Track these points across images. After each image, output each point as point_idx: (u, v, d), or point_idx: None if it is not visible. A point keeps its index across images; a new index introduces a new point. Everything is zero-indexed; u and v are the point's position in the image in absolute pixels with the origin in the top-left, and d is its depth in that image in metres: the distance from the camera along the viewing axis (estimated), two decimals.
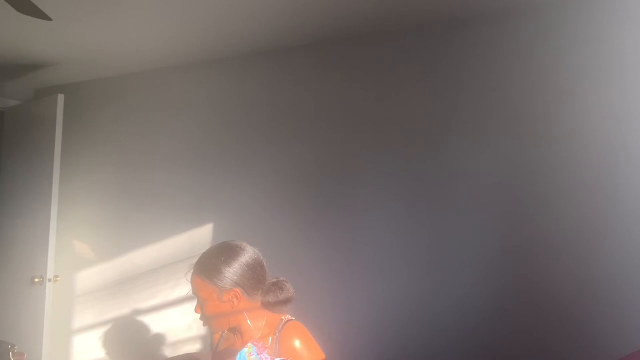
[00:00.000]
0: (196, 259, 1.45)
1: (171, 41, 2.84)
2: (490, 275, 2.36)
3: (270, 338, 1.40)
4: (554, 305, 2.23)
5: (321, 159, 2.81)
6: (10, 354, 1.68)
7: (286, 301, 1.45)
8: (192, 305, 3.24)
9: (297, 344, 1.37)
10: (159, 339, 3.10)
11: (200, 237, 3.05)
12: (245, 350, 1.35)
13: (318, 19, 2.53)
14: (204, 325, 1.45)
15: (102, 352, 3.23)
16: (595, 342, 2.11)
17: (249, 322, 1.42)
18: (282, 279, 1.48)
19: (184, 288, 3.10)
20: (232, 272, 1.39)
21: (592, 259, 2.18)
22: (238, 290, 1.39)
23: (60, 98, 3.18)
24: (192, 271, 1.43)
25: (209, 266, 1.40)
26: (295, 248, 2.79)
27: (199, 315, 1.44)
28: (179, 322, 3.02)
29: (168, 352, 3.05)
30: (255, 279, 1.42)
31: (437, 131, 2.55)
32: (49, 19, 1.90)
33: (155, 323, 3.12)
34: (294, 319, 1.47)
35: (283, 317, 1.45)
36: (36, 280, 3.06)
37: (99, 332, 3.29)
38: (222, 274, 1.38)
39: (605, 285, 2.14)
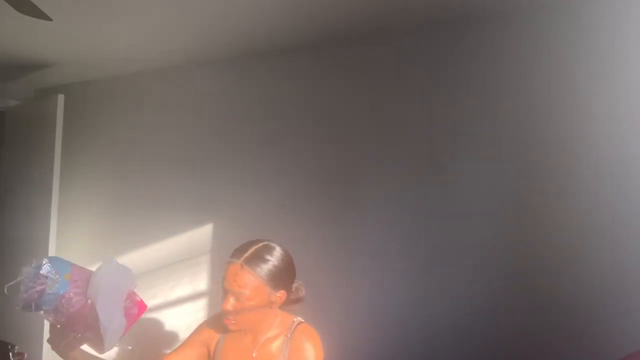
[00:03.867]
0: (239, 249, 1.40)
1: (171, 41, 2.84)
2: (492, 275, 2.35)
3: (283, 340, 1.40)
4: (555, 305, 2.23)
5: (321, 159, 2.81)
6: (10, 354, 1.68)
7: (302, 299, 1.50)
8: (192, 305, 3.24)
9: (308, 346, 1.37)
10: (159, 339, 3.09)
11: (200, 237, 3.05)
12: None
13: (318, 18, 2.53)
14: (227, 320, 1.37)
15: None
16: (596, 342, 2.11)
17: (266, 321, 1.42)
18: (299, 281, 1.52)
19: (184, 288, 3.11)
20: (286, 274, 1.41)
21: (592, 259, 2.17)
22: (284, 293, 1.40)
23: (60, 98, 3.18)
24: (240, 263, 1.35)
25: (266, 264, 1.36)
26: (295, 248, 2.78)
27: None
28: (179, 322, 3.01)
29: (168, 352, 3.04)
30: (293, 278, 1.46)
31: (439, 131, 2.55)
32: (49, 19, 1.89)
33: (155, 323, 3.12)
34: (304, 321, 1.47)
35: (295, 319, 1.45)
36: None
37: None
38: (277, 275, 1.37)
39: (606, 285, 2.14)
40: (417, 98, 2.60)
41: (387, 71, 2.68)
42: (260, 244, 1.42)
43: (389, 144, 2.65)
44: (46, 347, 2.94)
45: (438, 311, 2.43)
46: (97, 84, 3.53)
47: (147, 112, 3.36)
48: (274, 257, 1.40)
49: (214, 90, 3.16)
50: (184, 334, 3.01)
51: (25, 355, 1.75)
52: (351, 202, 2.69)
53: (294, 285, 1.48)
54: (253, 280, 1.33)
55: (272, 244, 1.44)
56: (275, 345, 1.40)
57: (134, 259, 3.23)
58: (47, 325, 3.10)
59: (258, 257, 1.37)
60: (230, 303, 1.33)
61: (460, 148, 2.48)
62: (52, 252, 3.07)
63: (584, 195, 2.22)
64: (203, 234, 3.05)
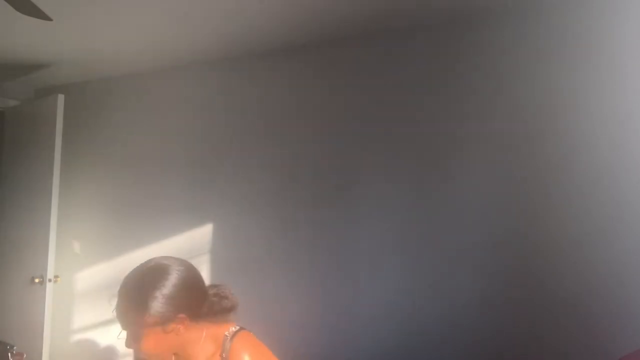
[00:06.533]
0: (123, 287, 1.24)
1: (171, 41, 2.84)
2: (492, 275, 2.35)
3: (219, 358, 1.23)
4: (555, 304, 2.23)
5: (321, 159, 2.81)
6: (9, 354, 1.68)
7: (231, 309, 1.28)
8: None
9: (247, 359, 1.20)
10: None
11: (200, 237, 3.05)
12: None
13: (317, 18, 2.53)
14: (141, 357, 1.25)
15: (101, 352, 3.23)
16: (596, 341, 2.11)
17: (190, 344, 1.25)
18: (221, 285, 1.32)
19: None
20: (172, 297, 1.19)
21: (592, 257, 2.18)
22: (183, 316, 1.20)
23: (60, 98, 3.18)
24: (119, 304, 1.22)
25: (143, 296, 1.18)
26: (295, 247, 2.79)
27: (138, 352, 1.24)
28: None
29: None
30: (197, 296, 1.25)
31: (438, 131, 2.55)
32: (49, 19, 1.89)
33: None
34: (239, 328, 1.29)
35: (227, 332, 1.26)
36: (36, 280, 3.06)
37: (99, 332, 3.28)
38: (161, 303, 1.17)
39: (605, 284, 2.14)
40: (417, 98, 2.60)
41: (387, 71, 2.68)
42: (137, 271, 1.24)
43: (388, 144, 2.65)
44: (46, 347, 2.95)
45: (437, 310, 2.43)
46: (97, 84, 3.53)
47: (147, 112, 3.36)
48: (146, 282, 1.21)
49: (213, 91, 3.16)
50: None
51: (25, 356, 1.75)
52: (350, 202, 2.69)
53: (210, 292, 1.29)
54: (133, 316, 1.19)
55: (150, 264, 1.26)
56: None
57: (134, 258, 3.23)
58: (47, 325, 3.10)
59: (130, 289, 1.21)
60: (128, 341, 1.22)
61: (460, 148, 2.48)
62: (52, 252, 3.06)
63: (584, 194, 2.22)
64: (203, 234, 3.05)
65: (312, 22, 2.56)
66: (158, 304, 1.18)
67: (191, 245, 3.05)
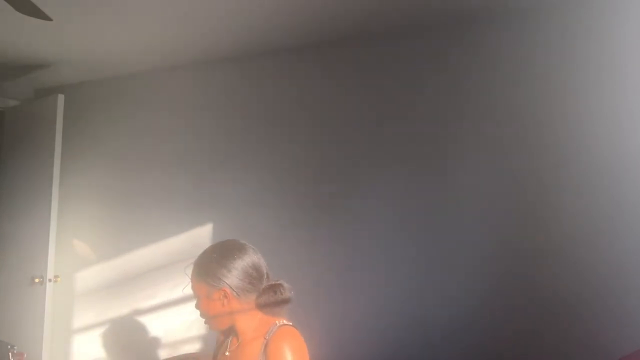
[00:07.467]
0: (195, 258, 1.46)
1: (171, 41, 2.84)
2: (491, 275, 2.36)
3: (261, 342, 1.35)
4: (554, 304, 2.23)
5: (320, 159, 2.81)
6: (10, 354, 1.68)
7: (278, 303, 1.41)
8: (191, 305, 3.25)
9: (283, 348, 1.30)
10: (159, 339, 3.09)
11: (200, 237, 3.05)
12: None
13: (317, 18, 2.53)
14: (205, 323, 1.44)
15: (102, 352, 3.23)
16: (596, 341, 2.11)
17: (241, 322, 1.40)
18: (280, 282, 1.44)
19: (184, 288, 3.11)
20: (222, 271, 1.37)
21: (592, 257, 2.18)
22: (226, 290, 1.37)
23: (60, 98, 3.18)
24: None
25: (201, 264, 1.42)
26: (294, 248, 2.78)
27: (199, 313, 1.43)
28: (179, 322, 3.01)
29: (168, 352, 3.05)
30: (248, 281, 1.40)
31: (437, 132, 2.55)
32: (49, 19, 1.89)
33: (155, 323, 3.12)
34: (289, 324, 1.41)
35: (277, 322, 1.39)
36: (36, 280, 3.06)
37: (99, 332, 3.28)
38: (211, 272, 1.38)
39: (605, 284, 2.14)
40: (416, 98, 2.61)
41: (387, 71, 2.68)
42: (214, 243, 1.47)
43: (387, 144, 2.65)
44: (46, 347, 2.95)
45: (437, 310, 2.43)
46: (97, 84, 3.53)
47: (147, 112, 3.36)
48: (209, 252, 1.43)
49: (213, 91, 3.16)
50: (183, 333, 3.01)
51: (25, 355, 1.75)
52: (350, 203, 2.69)
53: (266, 284, 1.42)
54: (192, 279, 1.42)
55: (224, 241, 1.47)
56: (253, 347, 1.36)
57: (134, 258, 3.23)
58: (47, 325, 3.10)
59: (199, 256, 1.44)
60: (195, 304, 1.43)
61: (460, 148, 2.48)
62: (52, 252, 3.06)
63: (584, 194, 2.22)
64: (203, 233, 3.05)
65: (312, 22, 2.57)
66: (209, 273, 1.38)
67: (191, 245, 3.05)
